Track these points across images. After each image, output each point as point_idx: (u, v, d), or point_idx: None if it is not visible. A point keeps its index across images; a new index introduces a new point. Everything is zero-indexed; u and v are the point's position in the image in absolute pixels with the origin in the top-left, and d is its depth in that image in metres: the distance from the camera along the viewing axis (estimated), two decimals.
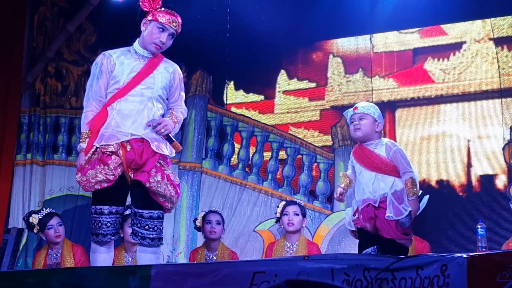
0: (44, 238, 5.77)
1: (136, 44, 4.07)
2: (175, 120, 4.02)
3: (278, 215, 5.65)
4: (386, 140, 4.42)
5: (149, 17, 4.02)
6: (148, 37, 4.00)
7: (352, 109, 4.39)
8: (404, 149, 4.38)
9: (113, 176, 3.86)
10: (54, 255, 5.68)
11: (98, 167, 3.86)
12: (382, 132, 4.50)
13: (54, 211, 5.84)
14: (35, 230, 5.71)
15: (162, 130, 3.91)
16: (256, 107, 7.01)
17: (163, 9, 4.04)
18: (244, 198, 6.74)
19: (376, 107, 4.44)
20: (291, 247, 5.50)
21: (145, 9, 4.03)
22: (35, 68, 7.47)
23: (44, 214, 5.70)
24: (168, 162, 4.05)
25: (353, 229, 4.24)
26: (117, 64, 4.01)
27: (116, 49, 4.09)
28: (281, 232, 5.93)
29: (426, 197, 4.24)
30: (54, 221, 5.66)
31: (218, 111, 7.04)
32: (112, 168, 3.86)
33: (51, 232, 5.64)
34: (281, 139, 6.80)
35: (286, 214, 5.54)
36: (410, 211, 4.11)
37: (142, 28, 4.05)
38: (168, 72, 4.07)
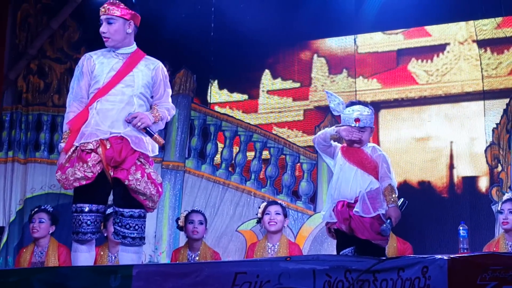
0: None
1: None
2: (157, 114, 3.99)
3: (259, 215, 5.66)
4: (372, 144, 4.44)
5: None
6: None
7: (353, 119, 4.26)
8: (387, 152, 4.39)
9: (91, 174, 3.85)
10: (39, 253, 5.68)
11: (77, 164, 3.86)
12: None
13: (45, 207, 5.86)
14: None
15: (139, 124, 3.90)
16: (240, 106, 7.00)
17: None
18: (227, 197, 6.73)
19: (372, 111, 4.36)
20: (273, 247, 5.50)
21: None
22: (17, 65, 7.42)
23: (38, 208, 5.81)
24: (150, 161, 4.03)
25: (334, 220, 4.22)
26: (97, 64, 4.02)
27: (98, 50, 4.10)
28: (263, 233, 5.94)
29: (405, 203, 4.23)
30: (37, 215, 5.71)
31: (202, 110, 7.03)
32: (91, 165, 3.85)
33: (30, 225, 5.72)
34: (264, 139, 6.80)
35: (268, 214, 5.55)
36: (389, 219, 4.10)
37: None
38: (149, 69, 4.05)
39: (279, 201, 5.88)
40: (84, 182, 3.86)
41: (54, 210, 5.99)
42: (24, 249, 5.89)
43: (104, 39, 4.02)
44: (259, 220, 5.68)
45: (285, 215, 5.62)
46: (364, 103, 4.48)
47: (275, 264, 3.05)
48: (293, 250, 5.50)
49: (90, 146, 3.88)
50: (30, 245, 5.83)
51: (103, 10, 4.03)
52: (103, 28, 4.00)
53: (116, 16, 3.99)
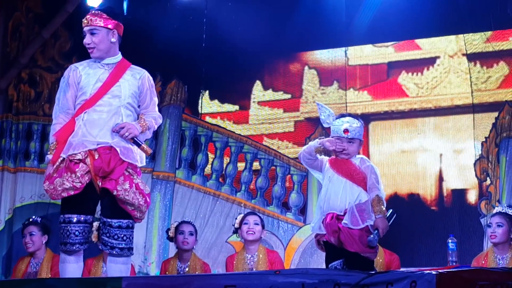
0: None
1: None
2: (144, 123, 3.99)
3: (236, 225, 5.63)
4: (361, 155, 4.45)
5: None
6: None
7: (342, 130, 4.26)
8: (377, 164, 4.39)
9: (80, 184, 3.85)
10: (35, 264, 5.66)
11: (65, 174, 3.85)
12: None
13: (34, 219, 5.82)
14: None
15: (126, 134, 3.89)
16: (230, 117, 7.01)
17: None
18: (217, 208, 6.73)
19: (362, 124, 4.37)
20: (251, 258, 5.51)
21: None
22: (8, 74, 7.41)
23: (27, 221, 5.76)
24: (138, 171, 4.02)
25: (323, 232, 4.23)
26: (83, 75, 4.01)
27: (83, 61, 4.09)
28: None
29: (394, 215, 4.24)
30: (28, 230, 5.68)
31: (193, 121, 7.03)
32: (79, 175, 3.84)
33: (23, 242, 5.69)
34: (255, 150, 6.81)
35: (246, 223, 5.53)
36: (377, 230, 4.11)
37: None
38: (136, 78, 4.05)
39: (256, 212, 5.90)
40: (72, 193, 3.85)
41: (43, 219, 5.96)
42: (21, 260, 5.85)
43: (89, 50, 4.02)
44: (236, 231, 5.65)
45: (263, 226, 5.62)
46: (354, 116, 4.50)
47: (264, 278, 3.05)
48: (272, 258, 5.52)
49: (79, 157, 3.87)
50: (27, 256, 5.80)
51: (85, 21, 4.03)
52: (87, 40, 4.01)
53: (99, 26, 4.00)
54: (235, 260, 5.55)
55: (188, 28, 6.92)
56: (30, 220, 5.81)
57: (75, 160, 3.86)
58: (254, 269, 5.38)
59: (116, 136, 3.91)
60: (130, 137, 3.90)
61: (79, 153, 3.87)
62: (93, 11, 4.06)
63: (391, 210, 4.23)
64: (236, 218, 5.72)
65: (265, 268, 5.36)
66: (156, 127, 4.10)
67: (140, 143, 3.92)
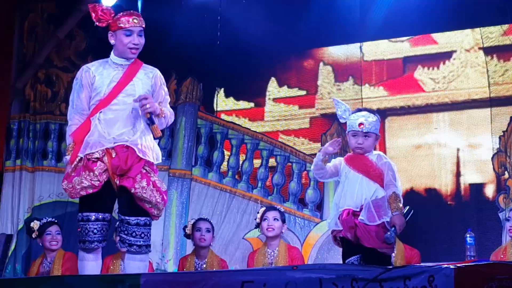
0: (41, 244, 5.84)
1: (112, 55, 4.08)
2: (162, 110, 4.00)
3: (258, 220, 5.64)
4: (378, 151, 4.43)
5: (112, 28, 4.02)
6: (121, 46, 4.00)
7: (357, 123, 4.24)
8: (394, 160, 4.37)
9: (98, 182, 3.87)
10: (48, 264, 5.74)
11: (83, 173, 3.88)
12: None
13: (55, 220, 5.91)
14: (33, 235, 5.81)
15: (148, 106, 3.89)
16: (246, 114, 7.02)
17: (119, 15, 4.04)
18: (233, 205, 6.74)
19: (378, 118, 4.34)
20: (272, 253, 5.52)
21: (104, 25, 4.04)
22: (25, 74, 7.47)
23: (45, 221, 5.82)
24: (155, 169, 4.05)
25: (340, 228, 4.22)
26: (96, 76, 4.02)
27: (94, 62, 4.09)
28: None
29: (411, 212, 4.21)
30: (53, 228, 5.77)
31: (208, 119, 7.04)
32: (98, 174, 3.87)
33: (48, 238, 5.74)
34: (271, 146, 6.81)
35: (266, 219, 5.54)
36: (394, 227, 4.09)
37: (112, 41, 4.05)
38: (149, 77, 4.07)
39: (277, 206, 5.86)
40: (91, 191, 3.88)
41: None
42: (34, 262, 5.95)
43: (133, 51, 3.98)
44: (258, 225, 5.67)
45: (283, 221, 5.61)
46: (371, 110, 4.47)
47: (282, 273, 3.06)
48: (293, 254, 5.52)
49: (96, 155, 3.90)
50: (40, 257, 5.90)
51: (135, 21, 4.00)
52: (136, 40, 3.98)
53: (143, 28, 4.03)
54: (256, 255, 5.57)
55: (203, 26, 6.93)
56: (49, 220, 5.88)
57: (93, 159, 3.89)
58: (273, 264, 5.39)
59: (131, 135, 3.93)
60: (149, 110, 3.89)
61: (97, 151, 3.90)
62: (134, 12, 4.05)
63: (408, 207, 4.22)
64: (258, 212, 5.72)
65: (285, 263, 5.36)
66: (169, 122, 4.09)
67: (154, 121, 3.91)
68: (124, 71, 4.02)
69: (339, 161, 4.34)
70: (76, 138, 3.96)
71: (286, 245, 5.62)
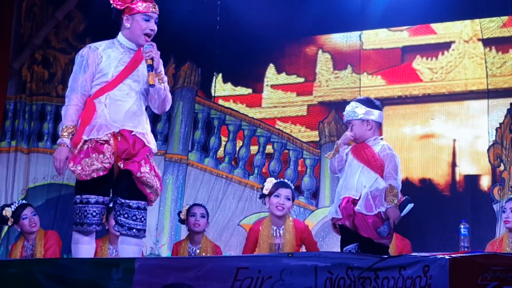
0: (19, 230, 5.73)
1: (120, 37, 4.02)
2: (162, 77, 3.97)
3: (265, 191, 5.19)
4: (384, 142, 4.42)
5: (130, 12, 3.98)
6: (137, 31, 3.97)
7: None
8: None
9: (108, 164, 3.86)
10: (30, 247, 5.63)
11: (93, 155, 3.84)
12: (379, 128, 4.46)
13: (26, 202, 5.78)
14: (9, 223, 5.63)
15: (153, 54, 3.88)
16: (243, 100, 7.01)
17: None
18: (229, 191, 6.74)
19: (361, 105, 4.34)
20: (277, 230, 5.18)
21: (121, 8, 4.00)
22: (22, 55, 7.43)
23: (17, 205, 5.65)
24: (152, 155, 4.06)
25: (340, 216, 4.24)
26: (104, 57, 3.97)
27: (100, 42, 4.04)
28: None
29: (410, 205, 4.21)
30: (27, 211, 5.60)
31: (206, 104, 7.03)
32: (108, 156, 3.86)
33: (25, 222, 5.58)
34: (268, 133, 6.80)
35: (278, 196, 5.10)
36: (388, 221, 4.09)
37: (127, 25, 3.99)
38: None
39: (288, 183, 5.34)
40: (101, 173, 3.84)
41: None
42: (14, 245, 5.79)
43: (147, 38, 3.96)
44: (263, 196, 5.23)
45: (293, 199, 5.25)
46: (367, 98, 4.52)
47: (277, 260, 3.06)
48: (298, 226, 5.17)
49: (105, 138, 3.88)
50: (20, 240, 5.73)
51: (155, 9, 4.00)
52: (152, 27, 3.97)
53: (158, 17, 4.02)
54: (260, 230, 5.17)
55: (202, 10, 6.90)
56: (21, 203, 5.71)
57: (101, 141, 3.87)
58: (281, 241, 5.19)
59: (135, 123, 3.91)
60: (153, 57, 3.87)
61: (105, 134, 3.87)
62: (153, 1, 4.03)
63: (406, 198, 4.21)
64: (266, 182, 5.28)
65: (293, 237, 5.11)
66: (167, 100, 4.03)
67: (153, 68, 3.87)
68: (132, 56, 4.00)
69: (348, 150, 4.39)
70: (82, 121, 3.93)
71: (293, 220, 5.22)
